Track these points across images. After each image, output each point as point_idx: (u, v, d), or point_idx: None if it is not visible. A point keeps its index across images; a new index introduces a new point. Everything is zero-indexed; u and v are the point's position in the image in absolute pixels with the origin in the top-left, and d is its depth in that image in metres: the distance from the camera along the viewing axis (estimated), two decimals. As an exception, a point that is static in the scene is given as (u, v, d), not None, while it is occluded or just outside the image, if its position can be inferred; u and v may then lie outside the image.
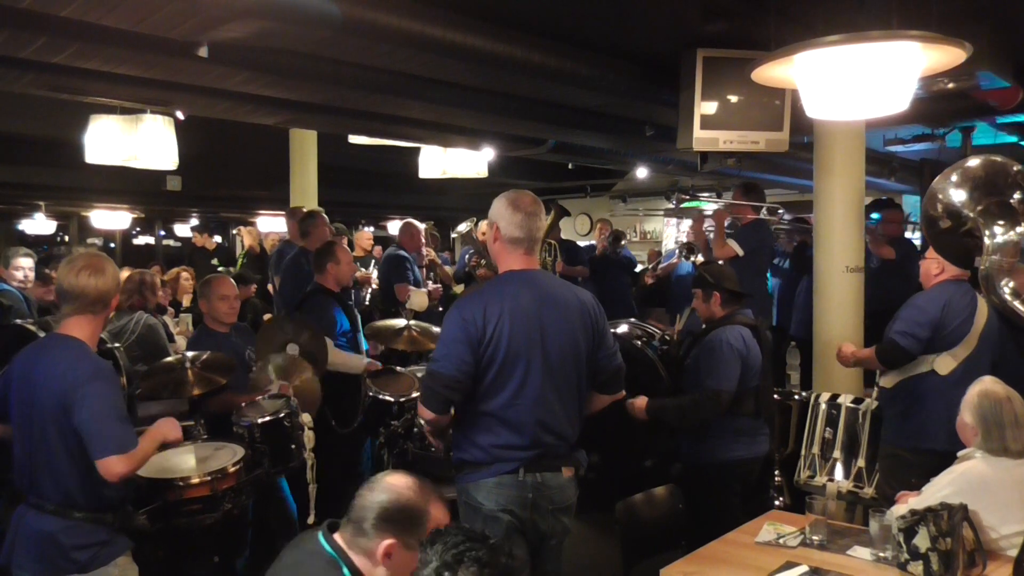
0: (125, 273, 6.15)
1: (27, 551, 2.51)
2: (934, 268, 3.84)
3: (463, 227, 7.38)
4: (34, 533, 2.51)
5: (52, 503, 2.51)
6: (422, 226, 6.82)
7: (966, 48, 2.55)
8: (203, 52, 3.57)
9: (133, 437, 2.51)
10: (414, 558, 1.77)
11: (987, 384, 2.83)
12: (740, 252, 5.29)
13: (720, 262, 4.77)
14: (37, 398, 2.51)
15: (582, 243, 9.13)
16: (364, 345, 4.73)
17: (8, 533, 2.57)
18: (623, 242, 8.20)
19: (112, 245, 13.03)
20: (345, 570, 1.79)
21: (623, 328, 4.52)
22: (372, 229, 10.73)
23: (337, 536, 1.85)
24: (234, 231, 10.25)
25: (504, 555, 1.57)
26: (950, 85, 4.21)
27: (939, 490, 2.69)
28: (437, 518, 1.86)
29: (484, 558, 1.52)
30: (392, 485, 1.85)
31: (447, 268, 7.93)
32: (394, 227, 7.18)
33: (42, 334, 3.15)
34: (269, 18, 3.19)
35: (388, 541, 1.80)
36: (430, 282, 6.66)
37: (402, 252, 6.45)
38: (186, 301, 7.34)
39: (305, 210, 6.34)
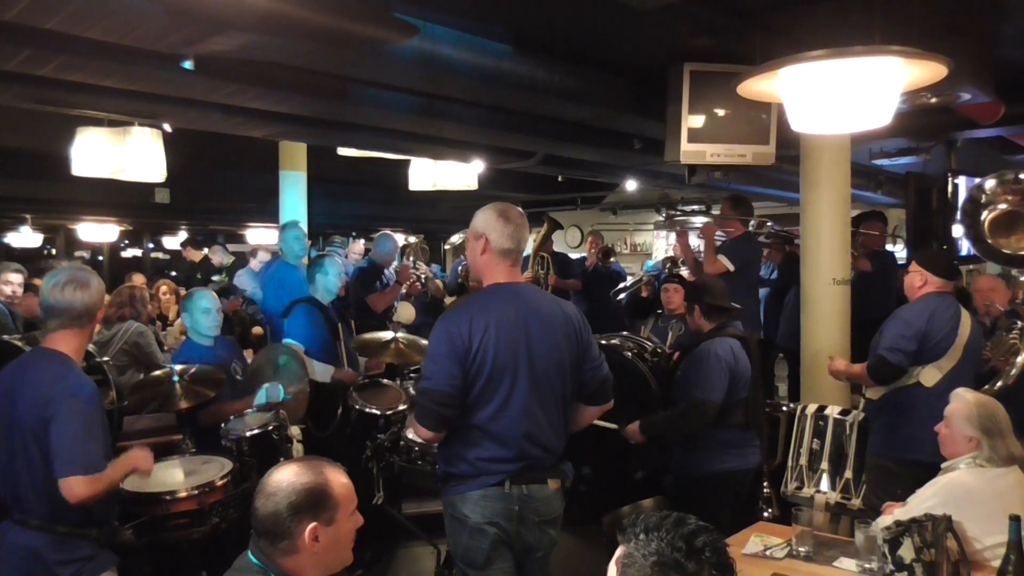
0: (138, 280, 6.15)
1: (11, 567, 2.49)
2: (917, 280, 3.88)
3: (456, 239, 7.39)
4: (18, 549, 2.49)
5: (36, 518, 2.49)
6: (400, 238, 6.80)
7: (947, 64, 2.59)
8: (188, 65, 3.57)
9: (100, 460, 2.49)
10: (338, 530, 1.85)
11: (973, 395, 2.86)
12: (731, 267, 5.31)
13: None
14: (19, 413, 2.50)
15: (573, 255, 9.15)
16: (341, 356, 4.73)
17: None
18: (612, 258, 8.23)
19: (100, 258, 12.98)
20: None
21: (615, 340, 4.53)
22: (364, 241, 10.72)
23: (261, 552, 1.85)
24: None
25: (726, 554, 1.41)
26: (933, 99, 4.25)
27: (923, 501, 2.71)
28: (339, 482, 1.89)
29: (720, 546, 1.38)
30: (281, 482, 1.84)
31: (439, 282, 7.93)
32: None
33: (28, 349, 3.13)
34: (255, 31, 3.19)
35: (309, 526, 1.82)
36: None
37: (368, 265, 6.43)
38: (172, 314, 7.31)
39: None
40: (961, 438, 2.80)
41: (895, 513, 2.77)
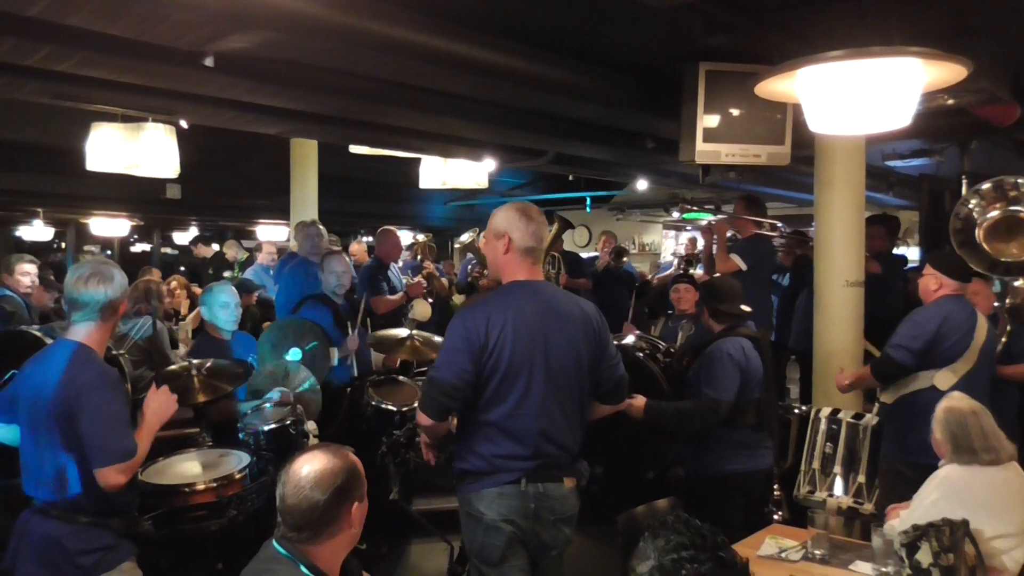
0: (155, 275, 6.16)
1: (32, 555, 2.52)
2: (932, 284, 3.87)
3: (465, 237, 7.38)
4: (39, 537, 2.52)
5: (58, 508, 2.52)
6: (405, 234, 6.76)
7: (966, 65, 2.58)
8: (209, 62, 3.59)
9: (132, 444, 2.53)
10: (365, 505, 1.93)
11: (953, 400, 2.90)
12: (743, 266, 5.30)
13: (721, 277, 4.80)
14: (45, 404, 2.52)
15: (582, 255, 9.14)
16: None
17: (13, 537, 2.58)
18: (625, 258, 8.21)
19: (109, 252, 13.02)
20: (303, 568, 1.83)
21: (628, 340, 4.53)
22: (371, 239, 10.73)
23: (290, 542, 1.88)
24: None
25: (732, 569, 1.39)
26: (949, 101, 4.24)
27: (926, 498, 2.73)
28: (357, 458, 1.96)
29: (706, 572, 1.35)
30: (318, 472, 1.86)
31: (444, 280, 7.93)
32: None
33: (49, 340, 3.15)
34: (274, 29, 3.21)
35: (354, 507, 1.89)
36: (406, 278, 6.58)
37: (374, 263, 6.41)
38: (183, 309, 7.35)
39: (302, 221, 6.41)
40: (937, 440, 2.85)
41: (901, 515, 2.78)
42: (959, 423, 2.78)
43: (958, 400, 2.89)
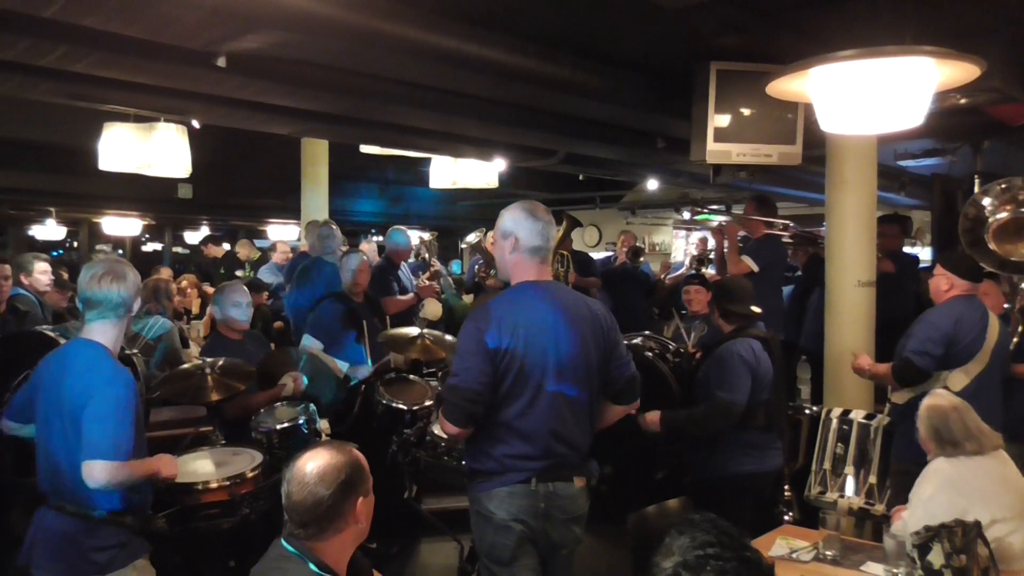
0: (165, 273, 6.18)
1: (47, 552, 2.54)
2: (943, 284, 3.85)
3: (472, 237, 7.39)
4: (55, 534, 2.54)
5: (73, 505, 2.54)
6: (412, 234, 6.77)
7: (979, 64, 2.57)
8: (221, 62, 3.60)
9: (126, 449, 2.52)
10: (371, 500, 1.93)
11: (934, 398, 2.92)
12: (755, 268, 5.28)
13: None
14: (60, 402, 2.54)
15: (593, 255, 9.13)
16: (363, 353, 4.78)
17: (29, 534, 2.60)
18: (641, 258, 8.19)
19: (120, 251, 13.11)
20: (311, 565, 1.84)
21: (637, 340, 4.52)
22: (381, 238, 10.77)
23: (298, 540, 1.89)
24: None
25: (757, 569, 1.36)
26: (962, 100, 4.22)
27: (923, 494, 2.74)
28: (361, 455, 1.96)
29: (730, 570, 1.33)
30: (321, 468, 1.87)
31: (449, 279, 7.94)
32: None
33: (63, 340, 3.18)
34: (286, 29, 3.22)
35: (359, 500, 1.89)
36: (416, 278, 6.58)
37: (384, 263, 6.43)
38: (195, 308, 7.39)
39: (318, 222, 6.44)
40: (922, 438, 2.88)
41: (903, 516, 2.78)
42: (941, 418, 2.81)
43: (939, 398, 2.92)
